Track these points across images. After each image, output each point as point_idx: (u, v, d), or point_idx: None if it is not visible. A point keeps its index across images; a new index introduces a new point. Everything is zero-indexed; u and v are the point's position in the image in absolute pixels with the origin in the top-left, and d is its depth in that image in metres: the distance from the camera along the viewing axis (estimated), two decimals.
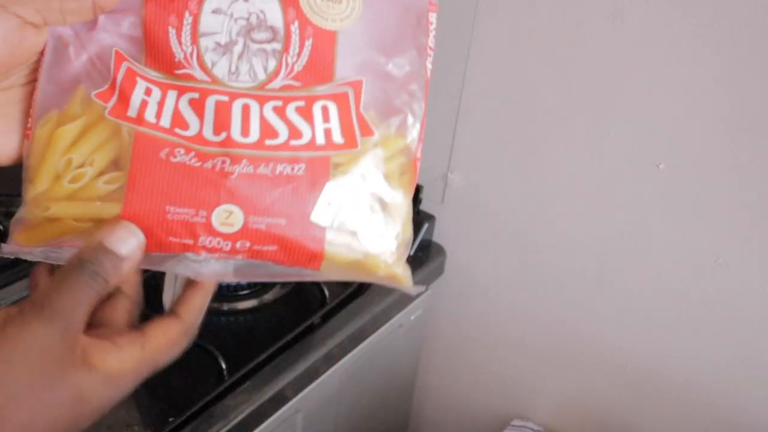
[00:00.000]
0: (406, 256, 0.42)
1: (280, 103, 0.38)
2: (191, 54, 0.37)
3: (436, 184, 0.89)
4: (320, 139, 0.38)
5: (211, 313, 0.78)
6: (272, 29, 0.37)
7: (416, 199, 0.88)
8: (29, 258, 0.38)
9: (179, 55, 0.37)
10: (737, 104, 0.66)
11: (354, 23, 0.39)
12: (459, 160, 0.86)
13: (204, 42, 0.37)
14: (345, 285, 0.82)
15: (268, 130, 0.37)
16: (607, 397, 0.88)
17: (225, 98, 0.37)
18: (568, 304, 0.85)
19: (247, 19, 0.37)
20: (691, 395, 0.81)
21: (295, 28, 0.37)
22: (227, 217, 0.37)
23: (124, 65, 0.37)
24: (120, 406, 0.67)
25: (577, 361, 0.88)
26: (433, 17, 0.42)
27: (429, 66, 0.42)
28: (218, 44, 0.37)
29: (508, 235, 0.86)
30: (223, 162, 0.37)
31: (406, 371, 0.99)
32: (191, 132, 0.37)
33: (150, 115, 0.37)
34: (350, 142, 0.39)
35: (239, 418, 0.65)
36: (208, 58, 0.37)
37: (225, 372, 0.68)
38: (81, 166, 0.37)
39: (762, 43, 0.63)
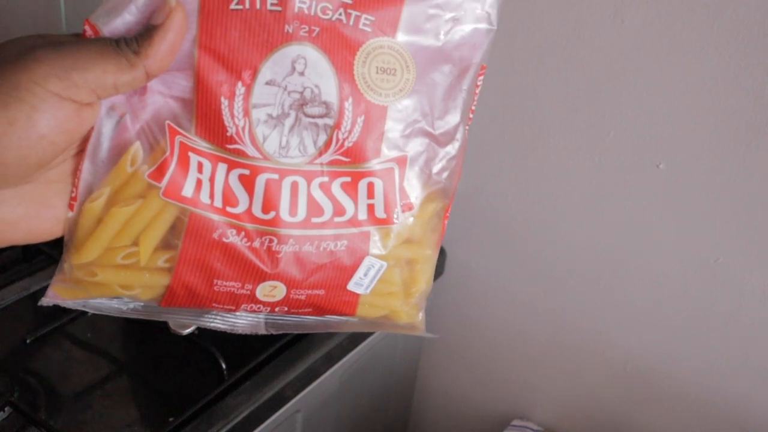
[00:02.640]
0: (424, 304, 0.44)
1: (326, 179, 0.37)
2: (243, 128, 0.36)
3: None
4: (362, 215, 0.38)
5: None
6: (326, 104, 0.36)
7: None
8: (67, 306, 0.39)
9: (231, 130, 0.36)
10: (737, 104, 0.66)
11: (406, 95, 0.38)
12: None
13: (256, 114, 0.36)
14: None
15: (314, 208, 0.37)
16: (607, 397, 0.88)
17: (275, 176, 0.36)
18: (568, 304, 0.85)
19: (301, 93, 0.36)
20: (691, 395, 0.81)
21: (348, 104, 0.37)
22: (271, 290, 0.38)
23: (177, 140, 0.36)
24: (120, 406, 0.67)
25: (578, 361, 0.88)
26: (481, 80, 0.42)
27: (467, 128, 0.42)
28: (270, 116, 0.36)
29: (508, 235, 0.86)
30: (271, 241, 0.37)
31: (406, 371, 0.99)
32: (240, 209, 0.37)
33: (205, 196, 0.36)
34: (390, 217, 0.39)
35: (239, 418, 0.65)
36: (260, 132, 0.36)
37: (225, 372, 0.68)
38: (134, 244, 0.37)
39: (763, 42, 0.63)
